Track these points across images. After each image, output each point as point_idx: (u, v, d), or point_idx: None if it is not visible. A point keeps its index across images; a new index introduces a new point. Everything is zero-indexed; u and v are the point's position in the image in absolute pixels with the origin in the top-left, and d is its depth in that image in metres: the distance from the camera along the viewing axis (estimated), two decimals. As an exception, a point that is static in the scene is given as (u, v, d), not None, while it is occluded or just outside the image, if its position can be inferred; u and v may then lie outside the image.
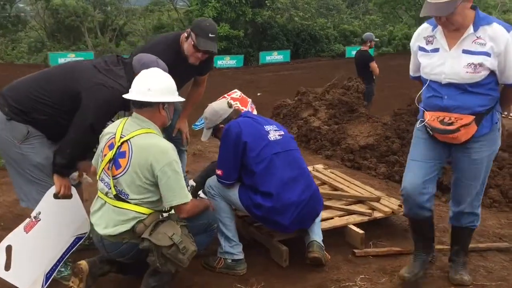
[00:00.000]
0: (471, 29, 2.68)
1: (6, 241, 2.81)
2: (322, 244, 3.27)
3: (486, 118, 2.78)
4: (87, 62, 3.18)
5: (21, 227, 2.89)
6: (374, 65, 9.01)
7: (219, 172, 3.21)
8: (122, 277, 3.08)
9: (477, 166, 2.88)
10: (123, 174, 2.68)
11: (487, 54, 2.65)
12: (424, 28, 2.89)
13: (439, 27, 2.78)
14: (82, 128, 2.95)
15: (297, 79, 20.36)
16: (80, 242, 3.25)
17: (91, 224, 2.85)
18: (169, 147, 2.73)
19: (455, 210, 3.07)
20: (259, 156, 3.10)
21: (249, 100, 4.62)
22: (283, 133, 3.29)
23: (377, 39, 12.10)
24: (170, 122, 3.04)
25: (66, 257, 3.14)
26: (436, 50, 2.80)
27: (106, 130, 2.88)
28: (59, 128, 3.05)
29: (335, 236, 3.62)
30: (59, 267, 3.08)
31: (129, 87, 2.90)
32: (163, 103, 2.78)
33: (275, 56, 29.54)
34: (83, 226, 3.26)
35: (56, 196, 3.03)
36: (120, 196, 2.70)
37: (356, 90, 7.78)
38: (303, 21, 30.72)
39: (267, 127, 3.25)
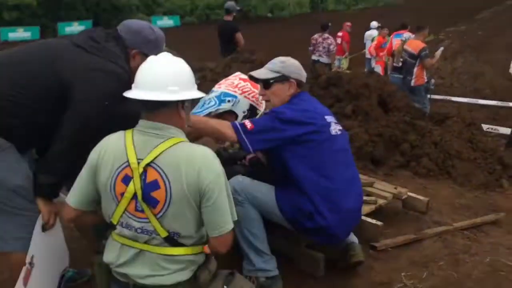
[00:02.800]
0: None
1: None
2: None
3: None
4: (64, 41, 2.28)
5: (20, 282, 2.04)
6: (239, 36, 8.18)
7: (249, 125, 2.48)
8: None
9: None
10: (165, 211, 1.85)
11: None
12: None
13: None
14: (77, 134, 2.11)
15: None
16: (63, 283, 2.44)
17: (117, 273, 1.95)
18: (211, 154, 1.94)
19: None
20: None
21: None
22: (341, 128, 2.76)
23: (238, 8, 11.22)
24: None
25: None
26: None
27: (99, 159, 1.92)
28: (33, 135, 2.18)
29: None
30: None
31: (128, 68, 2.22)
32: (183, 101, 1.96)
33: (76, 27, 25.97)
34: (65, 259, 2.48)
35: (43, 228, 2.19)
36: (173, 239, 1.89)
37: (261, 63, 7.35)
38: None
39: (328, 118, 2.68)
